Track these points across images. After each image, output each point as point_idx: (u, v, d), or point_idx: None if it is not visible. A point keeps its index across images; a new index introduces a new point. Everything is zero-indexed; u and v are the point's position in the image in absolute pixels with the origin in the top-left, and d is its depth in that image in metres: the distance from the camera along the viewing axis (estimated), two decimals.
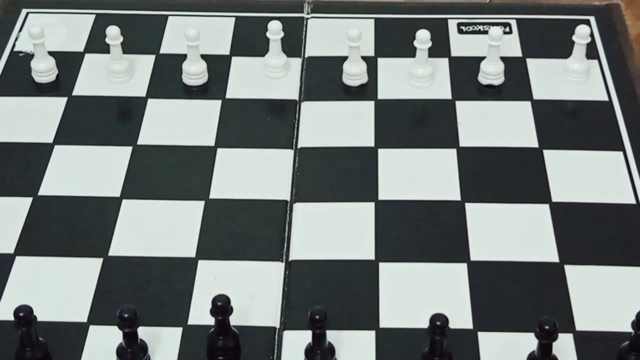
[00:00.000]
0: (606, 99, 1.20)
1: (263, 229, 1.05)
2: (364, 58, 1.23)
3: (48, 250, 1.03)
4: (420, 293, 0.98)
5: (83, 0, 1.36)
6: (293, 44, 1.28)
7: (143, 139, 1.16)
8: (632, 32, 1.32)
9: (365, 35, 1.27)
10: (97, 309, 0.97)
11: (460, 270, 1.00)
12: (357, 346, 0.94)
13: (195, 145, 1.15)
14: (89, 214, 1.07)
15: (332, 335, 0.92)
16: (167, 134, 1.16)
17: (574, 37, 1.22)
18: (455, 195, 1.08)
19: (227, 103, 1.20)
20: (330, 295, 0.99)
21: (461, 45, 1.28)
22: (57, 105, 1.20)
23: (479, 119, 1.18)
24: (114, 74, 1.23)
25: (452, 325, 0.88)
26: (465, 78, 1.24)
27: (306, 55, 1.27)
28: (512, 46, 1.28)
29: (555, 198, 1.08)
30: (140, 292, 0.99)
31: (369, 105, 1.20)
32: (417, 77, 1.22)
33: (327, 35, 1.30)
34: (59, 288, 0.99)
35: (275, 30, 1.22)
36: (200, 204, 1.07)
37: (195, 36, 1.21)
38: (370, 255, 1.02)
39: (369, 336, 0.95)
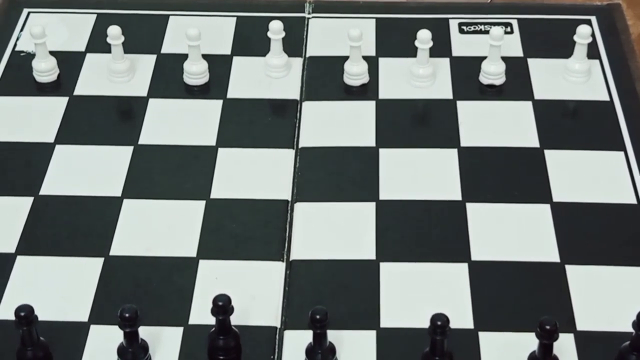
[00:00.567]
0: (607, 98, 1.20)
1: (264, 228, 1.05)
2: (365, 58, 1.23)
3: (49, 249, 1.03)
4: (421, 293, 0.99)
5: None
6: (294, 44, 1.28)
7: (144, 139, 1.16)
8: (634, 31, 1.32)
9: (367, 35, 1.27)
10: (98, 309, 0.97)
11: (461, 270, 1.00)
12: (357, 346, 0.94)
13: (196, 145, 1.15)
14: (90, 213, 1.07)
15: (332, 335, 0.92)
16: (168, 133, 1.16)
17: (575, 37, 1.22)
18: (456, 195, 1.08)
19: (228, 103, 1.20)
20: (331, 294, 0.99)
21: (462, 45, 1.28)
22: (58, 104, 1.20)
23: (480, 119, 1.18)
24: (115, 74, 1.23)
25: (453, 325, 0.88)
26: (466, 78, 1.23)
27: (307, 55, 1.27)
28: (513, 46, 1.28)
29: (556, 198, 1.08)
30: (141, 292, 0.99)
31: (370, 105, 1.20)
32: (418, 77, 1.22)
33: (328, 35, 1.30)
34: (60, 288, 0.99)
35: (276, 30, 1.22)
36: (201, 204, 1.07)
37: (196, 36, 1.21)
38: (371, 255, 1.02)
39: (370, 336, 0.95)
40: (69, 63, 1.26)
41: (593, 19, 1.31)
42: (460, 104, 1.20)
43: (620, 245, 1.03)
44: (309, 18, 1.33)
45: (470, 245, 1.03)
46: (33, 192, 1.09)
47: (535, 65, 1.25)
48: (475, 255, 1.02)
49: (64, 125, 1.18)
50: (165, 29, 1.32)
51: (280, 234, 1.05)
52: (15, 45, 1.29)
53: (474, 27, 1.31)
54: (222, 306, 0.89)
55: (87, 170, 1.12)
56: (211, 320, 0.91)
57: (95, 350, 0.93)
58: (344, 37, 1.22)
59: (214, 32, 1.30)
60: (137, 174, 1.11)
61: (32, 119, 1.19)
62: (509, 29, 1.30)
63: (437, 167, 1.12)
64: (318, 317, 0.88)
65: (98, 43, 1.28)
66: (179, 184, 1.10)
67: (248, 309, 0.96)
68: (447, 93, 1.21)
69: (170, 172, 1.12)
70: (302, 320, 0.92)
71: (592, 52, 1.24)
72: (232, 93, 1.22)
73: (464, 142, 1.15)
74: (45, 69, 1.23)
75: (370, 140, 1.15)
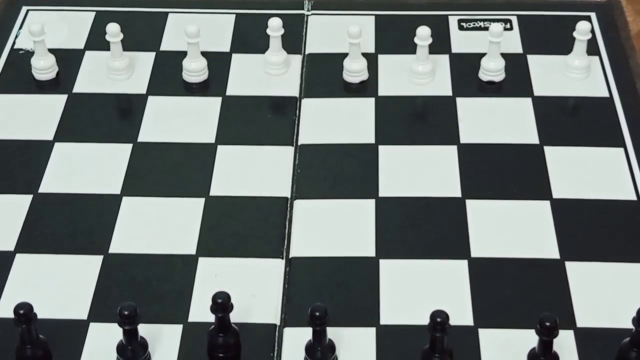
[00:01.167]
0: (607, 95, 1.20)
1: (263, 226, 1.05)
2: (365, 55, 1.23)
3: (48, 247, 1.03)
4: (421, 290, 0.98)
5: None
6: (293, 41, 1.28)
7: (143, 136, 1.15)
8: (633, 28, 1.32)
9: (366, 32, 1.27)
10: (97, 307, 0.97)
11: (460, 267, 1.00)
12: (357, 343, 0.94)
13: (196, 143, 1.15)
14: (90, 211, 1.07)
15: (332, 332, 0.92)
16: (167, 131, 1.16)
17: (574, 34, 1.21)
18: (456, 192, 1.08)
19: (227, 100, 1.20)
20: (331, 292, 0.98)
21: (462, 41, 1.28)
22: (57, 102, 1.20)
23: (479, 116, 1.18)
24: (114, 71, 1.23)
25: (453, 322, 0.88)
26: (466, 74, 1.23)
27: (306, 52, 1.27)
28: (513, 42, 1.28)
29: (556, 194, 1.08)
30: (141, 290, 0.99)
31: (370, 102, 1.20)
32: (418, 74, 1.22)
33: (327, 32, 1.30)
34: (59, 285, 0.99)
35: (275, 27, 1.22)
36: (201, 201, 1.07)
37: (195, 33, 1.21)
38: (371, 252, 1.02)
39: (370, 333, 0.94)
40: (68, 61, 1.26)
41: (593, 15, 1.31)
42: (460, 101, 1.20)
43: (620, 241, 1.03)
44: (308, 15, 1.33)
45: (470, 242, 1.03)
46: (32, 190, 1.09)
47: (535, 62, 1.25)
48: (475, 252, 1.02)
49: (63, 122, 1.17)
50: (164, 26, 1.32)
51: (280, 231, 1.04)
52: (14, 42, 1.29)
53: (474, 24, 1.31)
54: (221, 304, 0.89)
55: (86, 168, 1.12)
56: (211, 318, 0.91)
57: (95, 348, 0.93)
58: (343, 34, 1.22)
59: (213, 29, 1.30)
60: (136, 172, 1.11)
61: (31, 116, 1.19)
62: (508, 26, 1.30)
63: (437, 164, 1.12)
64: (317, 314, 0.88)
65: (97, 40, 1.28)
66: (178, 181, 1.10)
67: (247, 307, 0.96)
68: (446, 90, 1.21)
69: (170, 170, 1.12)
70: (301, 318, 0.92)
71: (592, 48, 1.24)
72: (231, 90, 1.22)
73: (464, 139, 1.15)
74: (44, 67, 1.23)
75: (369, 138, 1.15)
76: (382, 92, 1.21)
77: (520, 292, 0.98)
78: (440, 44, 1.26)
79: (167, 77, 1.24)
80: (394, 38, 1.29)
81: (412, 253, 1.02)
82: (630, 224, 1.05)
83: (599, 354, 0.92)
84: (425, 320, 0.88)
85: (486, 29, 1.26)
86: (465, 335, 0.94)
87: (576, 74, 1.22)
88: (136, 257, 1.02)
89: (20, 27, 1.31)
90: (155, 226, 1.05)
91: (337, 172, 1.11)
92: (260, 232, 1.04)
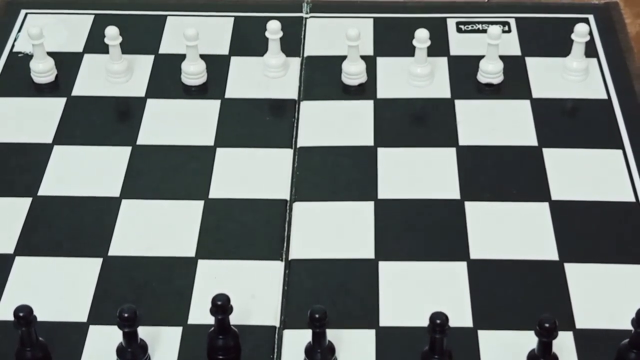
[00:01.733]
0: (605, 97, 1.20)
1: (263, 228, 1.05)
2: (363, 57, 1.23)
3: (48, 250, 1.03)
4: (420, 291, 0.98)
5: (82, 0, 1.36)
6: (292, 44, 1.28)
7: (142, 139, 1.16)
8: (631, 30, 1.32)
9: (364, 34, 1.27)
10: (97, 309, 0.97)
11: (460, 269, 1.00)
12: (357, 345, 0.94)
13: (195, 145, 1.15)
14: (89, 214, 1.07)
15: (332, 334, 0.92)
16: (166, 133, 1.16)
17: (573, 36, 1.22)
18: (455, 194, 1.08)
19: (226, 103, 1.20)
20: (330, 294, 0.98)
21: (460, 44, 1.28)
22: (56, 105, 1.20)
23: (478, 118, 1.18)
24: (113, 74, 1.23)
25: (452, 323, 0.88)
26: (465, 77, 1.24)
27: (305, 55, 1.27)
28: (511, 45, 1.28)
29: (554, 196, 1.08)
30: (140, 292, 0.99)
31: (368, 105, 1.20)
32: (416, 76, 1.22)
33: (326, 34, 1.30)
34: (58, 288, 0.99)
35: (274, 30, 1.22)
36: (200, 204, 1.07)
37: (194, 36, 1.21)
38: (370, 254, 1.02)
39: (369, 335, 0.94)
40: (67, 64, 1.26)
41: (591, 17, 1.32)
42: (459, 103, 1.20)
43: (619, 243, 1.03)
44: (306, 18, 1.33)
45: (469, 244, 1.03)
46: (31, 193, 1.09)
47: (533, 64, 1.25)
48: (474, 254, 1.02)
49: (62, 125, 1.17)
50: (163, 29, 1.32)
51: (279, 234, 1.04)
52: (13, 46, 1.29)
53: (472, 26, 1.31)
54: (221, 306, 0.89)
55: (86, 171, 1.12)
56: (210, 320, 0.91)
57: (95, 351, 0.93)
58: (341, 36, 1.22)
59: (211, 32, 1.30)
60: (136, 174, 1.11)
61: (30, 119, 1.19)
62: (506, 28, 1.30)
63: (436, 166, 1.12)
64: (317, 316, 0.88)
65: (96, 44, 1.28)
66: (178, 184, 1.10)
67: (247, 309, 0.96)
68: (445, 92, 1.22)
69: (169, 172, 1.12)
70: (301, 320, 0.92)
71: (590, 50, 1.24)
72: (230, 93, 1.22)
73: (462, 141, 1.15)
74: (43, 70, 1.23)
75: (368, 140, 1.15)
76: (380, 94, 1.21)
77: (520, 294, 0.98)
78: (438, 47, 1.26)
79: (166, 79, 1.24)
80: (392, 40, 1.29)
81: (411, 255, 1.02)
82: (628, 225, 1.05)
83: (598, 355, 0.92)
84: (424, 322, 0.88)
85: (484, 31, 1.26)
86: (464, 336, 0.94)
87: (574, 76, 1.22)
88: (136, 260, 1.02)
89: (19, 31, 1.31)
90: (155, 228, 1.05)
91: (336, 174, 1.11)
92: (260, 234, 1.04)
